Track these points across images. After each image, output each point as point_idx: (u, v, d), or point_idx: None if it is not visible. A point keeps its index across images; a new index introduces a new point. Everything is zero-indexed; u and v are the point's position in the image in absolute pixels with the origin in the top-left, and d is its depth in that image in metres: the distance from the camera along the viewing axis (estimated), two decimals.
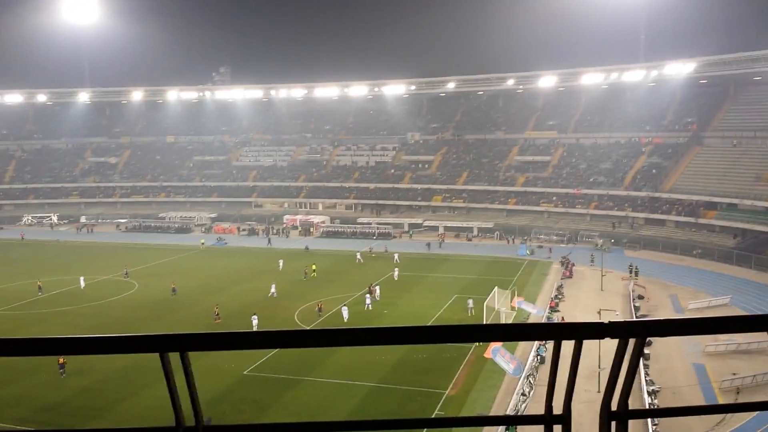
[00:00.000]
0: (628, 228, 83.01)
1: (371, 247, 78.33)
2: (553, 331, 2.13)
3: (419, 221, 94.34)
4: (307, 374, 37.23)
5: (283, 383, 36.29)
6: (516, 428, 29.09)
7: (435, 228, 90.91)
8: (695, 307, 51.51)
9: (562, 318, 47.28)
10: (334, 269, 67.75)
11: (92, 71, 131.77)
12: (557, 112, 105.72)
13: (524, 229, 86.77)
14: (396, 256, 70.38)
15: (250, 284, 61.02)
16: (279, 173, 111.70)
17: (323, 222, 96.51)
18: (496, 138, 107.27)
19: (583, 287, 58.67)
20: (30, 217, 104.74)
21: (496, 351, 36.87)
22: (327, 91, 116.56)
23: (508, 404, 32.52)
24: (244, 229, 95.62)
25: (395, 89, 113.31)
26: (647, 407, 29.88)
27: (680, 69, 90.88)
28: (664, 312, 50.64)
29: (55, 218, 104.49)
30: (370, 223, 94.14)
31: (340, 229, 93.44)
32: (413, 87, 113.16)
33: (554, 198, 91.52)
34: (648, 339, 2.13)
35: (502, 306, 47.76)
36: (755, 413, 29.33)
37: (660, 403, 32.65)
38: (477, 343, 37.30)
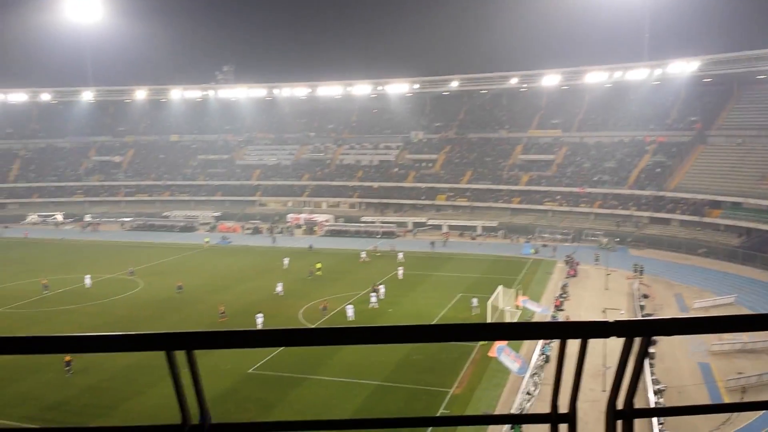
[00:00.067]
0: (632, 227, 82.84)
1: (376, 246, 78.38)
2: (559, 330, 2.12)
3: (423, 220, 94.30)
4: (312, 373, 37.27)
5: (287, 382, 36.33)
6: (521, 427, 29.09)
7: (439, 227, 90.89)
8: (700, 306, 51.39)
9: (567, 317, 47.23)
10: (338, 268, 67.78)
11: (96, 70, 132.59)
12: (561, 111, 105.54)
13: (528, 228, 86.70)
14: (400, 254, 70.41)
15: (255, 283, 61.10)
16: (283, 172, 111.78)
17: (327, 221, 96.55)
18: (499, 137, 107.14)
19: (588, 286, 58.58)
20: (35, 216, 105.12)
21: (500, 350, 36.86)
22: (330, 90, 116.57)
23: (512, 403, 32.51)
24: (248, 228, 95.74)
25: (399, 88, 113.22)
26: (653, 406, 29.82)
27: (684, 67, 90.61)
28: (669, 311, 50.56)
29: (59, 217, 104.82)
30: (373, 222, 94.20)
31: (343, 228, 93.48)
32: (417, 86, 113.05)
33: (558, 197, 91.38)
34: (653, 338, 2.12)
35: (506, 305, 47.70)
36: (761, 412, 29.27)
37: (665, 402, 32.60)
38: (481, 342, 37.28)
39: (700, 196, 78.09)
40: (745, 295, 53.28)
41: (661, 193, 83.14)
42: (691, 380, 36.21)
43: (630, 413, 2.16)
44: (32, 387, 35.72)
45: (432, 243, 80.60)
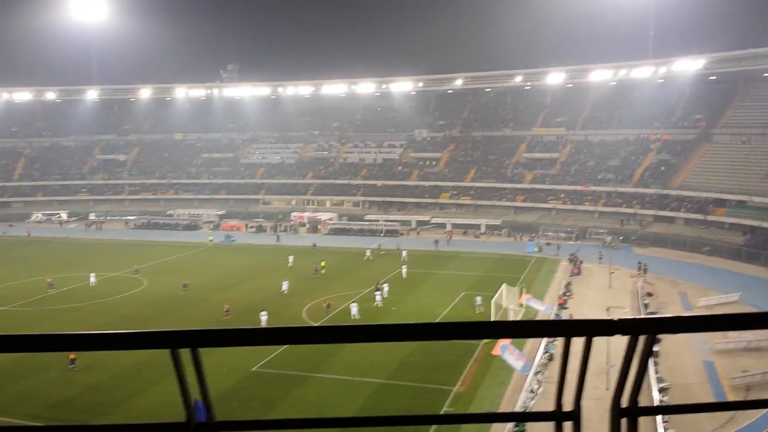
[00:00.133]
0: (636, 225, 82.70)
1: (380, 244, 78.43)
2: (564, 328, 2.12)
3: (427, 218, 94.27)
4: (316, 371, 37.30)
5: (291, 380, 36.37)
6: (525, 425, 29.10)
7: (443, 225, 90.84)
8: (704, 304, 51.28)
9: (571, 315, 47.16)
10: (342, 266, 67.81)
11: (101, 69, 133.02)
12: (565, 109, 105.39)
13: (532, 226, 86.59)
14: (404, 253, 70.45)
15: (259, 281, 61.18)
16: (287, 170, 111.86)
17: (331, 219, 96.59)
18: (503, 135, 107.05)
19: (592, 284, 58.51)
20: (39, 214, 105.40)
21: (504, 348, 36.84)
22: (334, 89, 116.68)
23: (516, 401, 32.51)
24: (252, 227, 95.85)
25: (403, 86, 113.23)
26: (657, 404, 29.80)
27: (689, 65, 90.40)
28: (673, 309, 50.46)
29: (64, 215, 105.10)
30: (377, 221, 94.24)
31: (347, 227, 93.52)
32: (421, 84, 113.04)
33: (562, 195, 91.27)
34: (657, 336, 2.12)
35: (510, 303, 47.67)
36: (765, 410, 29.20)
37: (669, 400, 32.57)
38: (485, 340, 37.28)
39: (704, 195, 77.93)
40: (750, 293, 53.13)
41: (666, 192, 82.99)
42: (695, 378, 36.15)
43: (635, 411, 2.16)
44: (37, 385, 35.86)
45: (436, 241, 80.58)
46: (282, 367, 37.85)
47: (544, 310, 47.74)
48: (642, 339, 2.11)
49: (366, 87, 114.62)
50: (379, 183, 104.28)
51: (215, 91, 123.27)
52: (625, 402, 2.17)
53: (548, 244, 78.63)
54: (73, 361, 37.35)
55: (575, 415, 2.19)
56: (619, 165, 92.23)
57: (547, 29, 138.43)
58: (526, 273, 63.71)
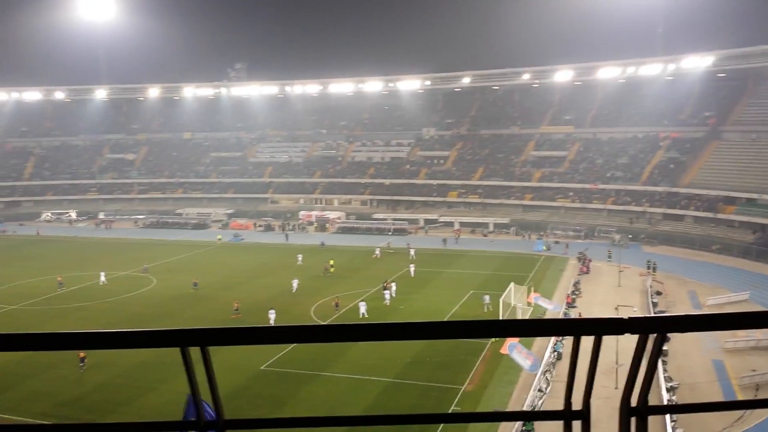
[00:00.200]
0: (645, 223, 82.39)
1: (389, 242, 78.44)
2: (573, 327, 2.12)
3: (435, 217, 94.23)
4: (324, 369, 37.35)
5: (299, 378, 36.44)
6: (533, 424, 29.07)
7: (450, 224, 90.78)
8: (714, 303, 51.04)
9: (580, 314, 47.04)
10: (350, 265, 67.87)
11: (109, 68, 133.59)
12: (573, 107, 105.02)
13: (540, 225, 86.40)
14: (412, 252, 70.44)
15: (267, 280, 61.31)
16: (294, 169, 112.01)
17: (339, 218, 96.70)
18: (511, 133, 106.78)
19: (600, 283, 58.34)
20: (49, 214, 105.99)
21: (512, 347, 36.77)
22: (342, 87, 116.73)
23: (524, 400, 32.45)
24: (260, 225, 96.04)
25: (410, 84, 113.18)
26: (666, 403, 29.69)
27: (698, 62, 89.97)
28: (682, 308, 50.25)
29: (73, 214, 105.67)
30: (385, 219, 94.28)
31: (355, 225, 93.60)
32: (428, 82, 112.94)
33: (571, 193, 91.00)
34: (666, 335, 2.11)
35: (518, 302, 47.62)
36: None
37: (678, 399, 32.45)
38: (493, 339, 37.23)
39: (714, 192, 77.54)
40: (760, 291, 52.86)
41: (675, 190, 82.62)
42: (704, 377, 35.99)
43: (644, 410, 2.15)
44: (47, 383, 36.06)
45: (444, 240, 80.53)
46: (290, 366, 37.93)
47: (553, 308, 47.64)
48: (652, 338, 2.11)
49: (373, 85, 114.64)
50: (387, 181, 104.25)
51: (223, 90, 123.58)
52: (634, 401, 2.16)
53: (557, 242, 78.45)
54: (83, 359, 37.60)
55: (584, 414, 2.18)
56: (628, 163, 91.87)
57: (555, 27, 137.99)
58: (535, 271, 63.59)
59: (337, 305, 49.92)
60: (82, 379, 36.54)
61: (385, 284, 54.44)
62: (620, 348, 31.31)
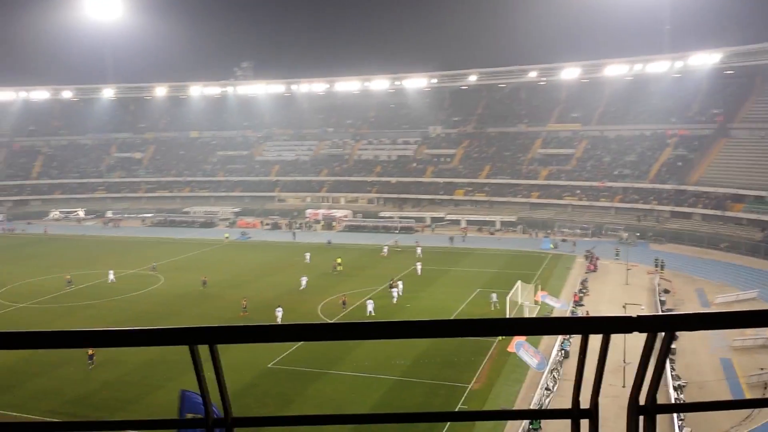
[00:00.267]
0: (653, 221, 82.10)
1: (396, 240, 78.48)
2: (582, 326, 2.12)
3: (441, 215, 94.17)
4: (331, 368, 37.37)
5: (307, 376, 36.49)
6: (539, 423, 29.01)
7: (457, 222, 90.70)
8: (722, 301, 50.83)
9: (587, 312, 46.92)
10: (357, 263, 67.92)
11: (116, 68, 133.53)
12: (581, 104, 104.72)
13: (547, 223, 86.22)
14: (419, 250, 70.43)
15: (274, 278, 61.42)
16: (301, 168, 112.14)
17: (345, 216, 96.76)
18: (518, 131, 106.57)
19: (608, 281, 58.19)
20: (57, 212, 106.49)
21: (519, 345, 36.68)
22: (348, 85, 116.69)
23: (531, 399, 32.40)
24: (267, 224, 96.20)
25: (416, 82, 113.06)
26: (673, 402, 29.58)
27: (706, 60, 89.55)
28: (690, 306, 50.09)
29: (81, 213, 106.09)
30: (392, 217, 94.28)
31: (362, 223, 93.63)
32: (435, 80, 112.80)
33: (578, 191, 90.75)
34: (675, 333, 2.11)
35: (525, 300, 47.56)
36: None
37: (686, 398, 32.35)
38: (500, 337, 37.19)
39: (722, 190, 77.19)
40: None
41: (683, 187, 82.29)
42: (712, 376, 35.86)
43: (652, 409, 2.15)
44: (55, 381, 36.20)
45: (451, 238, 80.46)
46: (297, 364, 37.97)
47: (560, 307, 47.57)
48: (660, 336, 2.10)
49: (380, 83, 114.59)
50: (394, 180, 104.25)
51: (230, 89, 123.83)
52: (642, 399, 2.15)
53: (564, 240, 78.27)
54: (91, 356, 37.70)
55: (592, 413, 2.18)
56: (636, 160, 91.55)
57: (561, 24, 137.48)
58: (542, 270, 63.47)
59: (344, 303, 49.98)
60: (90, 377, 36.66)
61: (392, 282, 54.48)
62: (628, 346, 31.23)
